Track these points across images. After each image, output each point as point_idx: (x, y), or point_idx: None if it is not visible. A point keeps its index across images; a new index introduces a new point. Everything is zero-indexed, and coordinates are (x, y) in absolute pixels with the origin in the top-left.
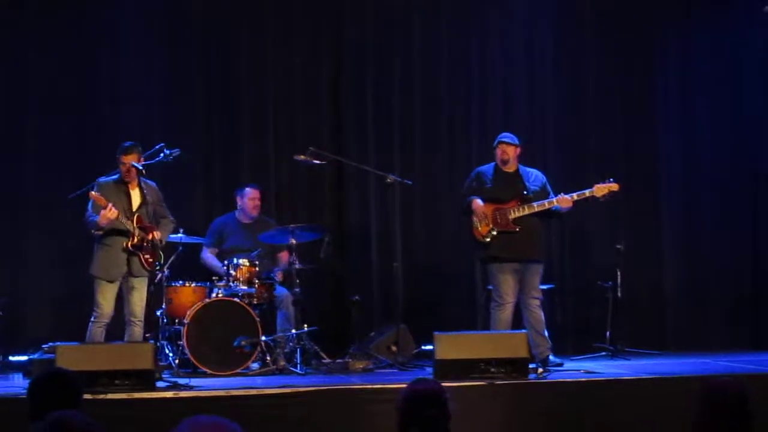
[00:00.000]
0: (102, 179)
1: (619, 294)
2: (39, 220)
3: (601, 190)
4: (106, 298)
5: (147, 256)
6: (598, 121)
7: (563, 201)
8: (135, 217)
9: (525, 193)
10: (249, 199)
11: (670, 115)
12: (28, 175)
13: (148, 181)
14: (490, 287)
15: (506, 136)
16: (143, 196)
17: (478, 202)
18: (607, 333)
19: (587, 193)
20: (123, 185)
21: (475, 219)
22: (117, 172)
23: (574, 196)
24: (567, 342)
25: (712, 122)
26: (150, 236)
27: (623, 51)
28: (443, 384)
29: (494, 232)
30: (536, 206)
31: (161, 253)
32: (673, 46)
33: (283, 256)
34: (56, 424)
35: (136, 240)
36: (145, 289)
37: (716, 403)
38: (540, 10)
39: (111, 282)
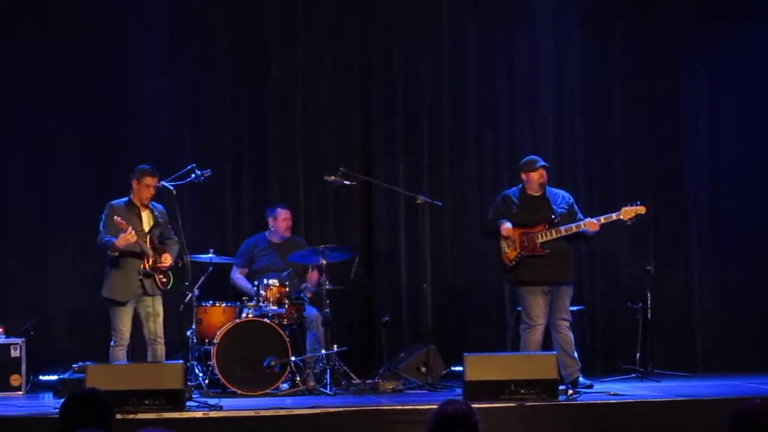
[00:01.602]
0: (114, 202)
1: (648, 315)
2: (68, 239)
3: (628, 213)
4: (122, 321)
5: (161, 277)
6: (625, 141)
7: (590, 225)
8: (148, 238)
9: (552, 217)
10: (282, 219)
11: (698, 135)
12: (56, 196)
13: (156, 204)
14: (519, 308)
15: (543, 161)
16: (155, 218)
17: (507, 227)
18: (637, 354)
19: (614, 216)
20: (134, 207)
21: (503, 243)
22: (127, 195)
23: (601, 219)
24: (596, 363)
25: (739, 143)
26: (162, 261)
27: (650, 68)
28: (473, 405)
29: (522, 256)
30: (563, 230)
31: (171, 274)
32: (699, 62)
33: (313, 275)
34: None
35: (151, 261)
36: (161, 307)
37: (747, 426)
38: (566, 26)
39: (123, 305)
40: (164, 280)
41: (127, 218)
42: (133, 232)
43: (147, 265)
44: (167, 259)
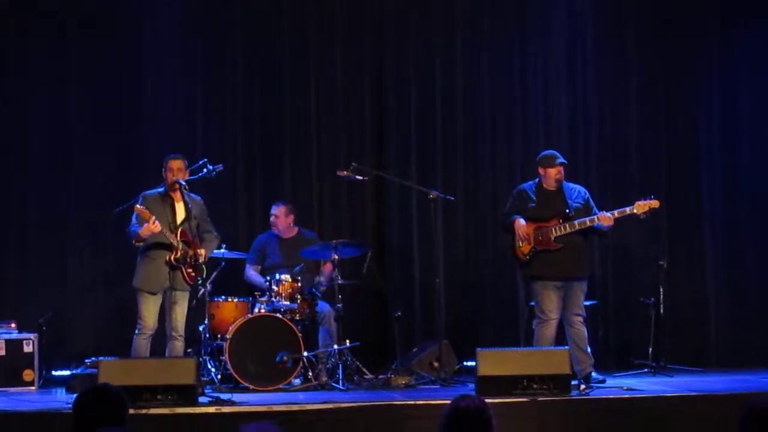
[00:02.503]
0: (147, 192)
1: (661, 310)
2: (81, 237)
3: (641, 207)
4: (149, 310)
5: (189, 270)
6: (639, 138)
7: (604, 219)
8: (179, 231)
9: (567, 211)
10: (274, 216)
11: (712, 130)
12: (70, 194)
13: (194, 196)
14: (532, 303)
15: (561, 157)
16: (188, 210)
17: (520, 222)
18: (650, 349)
19: (628, 210)
20: (168, 198)
21: (516, 238)
22: (162, 185)
23: (615, 213)
24: (609, 358)
25: (753, 137)
26: (193, 252)
27: (665, 67)
28: (486, 400)
29: (536, 251)
30: (578, 224)
31: (204, 268)
32: (715, 53)
33: (326, 270)
34: None
35: (178, 254)
36: (187, 303)
37: (758, 420)
38: (580, 26)
39: (153, 294)
40: (193, 274)
41: (160, 209)
42: (157, 222)
43: (173, 258)
44: (201, 253)
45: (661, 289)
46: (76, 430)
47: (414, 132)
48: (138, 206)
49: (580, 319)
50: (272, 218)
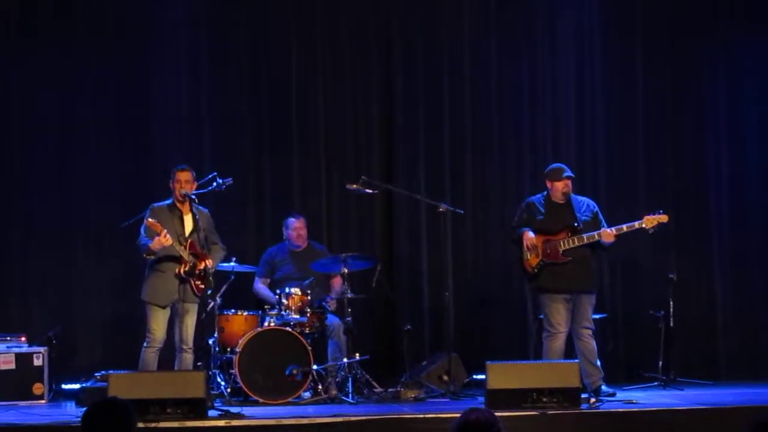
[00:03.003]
0: (156, 204)
1: (671, 323)
2: (89, 248)
3: (650, 221)
4: (158, 323)
5: (198, 283)
6: (647, 147)
7: (605, 235)
8: (188, 243)
9: (575, 224)
10: (293, 229)
11: (720, 142)
12: (77, 204)
13: (201, 208)
14: (541, 316)
15: (569, 171)
16: (196, 222)
17: (529, 234)
18: (660, 362)
19: (636, 224)
20: (177, 210)
21: (525, 250)
22: (170, 197)
23: (623, 227)
24: (619, 372)
25: (761, 150)
26: (202, 264)
27: (672, 75)
28: (495, 413)
29: (544, 264)
30: (586, 238)
31: (212, 280)
32: (722, 63)
33: (335, 283)
34: None
35: (187, 267)
36: (196, 315)
37: None
38: (588, 34)
39: (162, 308)
40: (201, 286)
41: (169, 221)
42: (168, 235)
43: (182, 270)
44: (209, 264)
45: (671, 302)
46: None
47: (422, 145)
48: (149, 219)
49: (589, 332)
50: (291, 231)
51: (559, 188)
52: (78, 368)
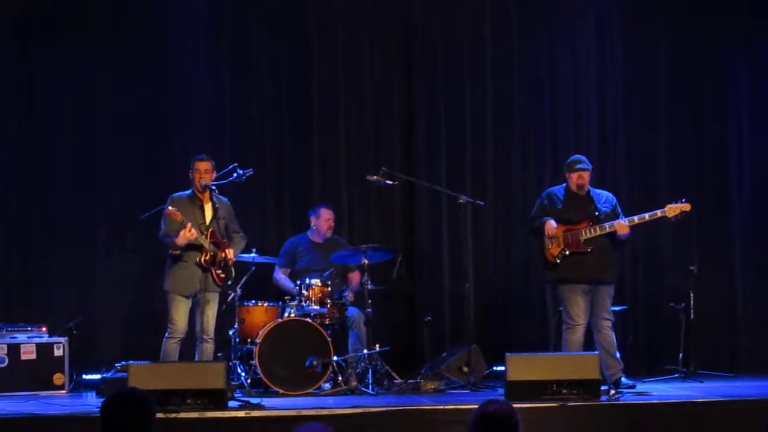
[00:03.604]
0: (175, 195)
1: (691, 315)
2: (109, 240)
3: (673, 210)
4: (179, 313)
5: (219, 272)
6: (669, 140)
7: (619, 227)
8: (209, 231)
9: (597, 214)
10: (324, 219)
11: (742, 134)
12: (98, 198)
13: (221, 197)
14: (560, 309)
15: (585, 163)
16: (215, 211)
17: (551, 224)
18: (680, 355)
19: (659, 213)
20: (197, 200)
21: (546, 240)
22: (190, 188)
23: (646, 216)
24: (639, 364)
25: None
26: (222, 254)
27: (693, 68)
28: (514, 405)
29: (565, 253)
30: (608, 227)
31: (233, 269)
32: (744, 58)
33: (354, 277)
34: None
35: (208, 256)
36: (216, 305)
37: None
38: (609, 28)
39: (185, 297)
40: (222, 275)
41: (189, 210)
42: (193, 229)
43: (203, 260)
44: (230, 254)
45: (692, 295)
46: None
47: (443, 136)
48: (170, 208)
49: (609, 323)
50: (322, 222)
51: (574, 180)
52: (99, 359)
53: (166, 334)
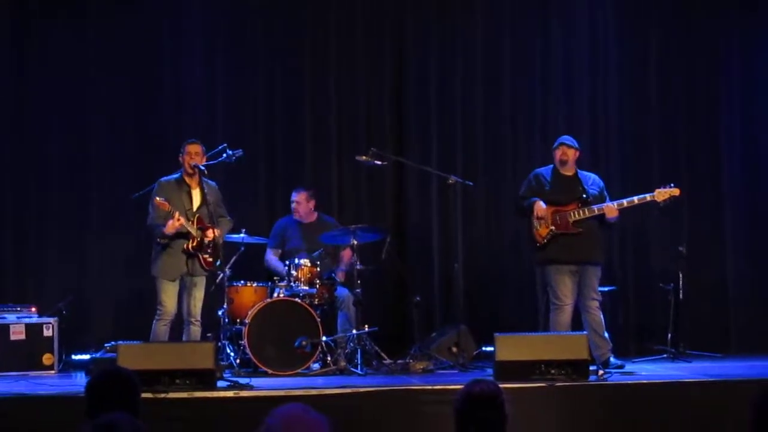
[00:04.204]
0: (164, 179)
1: (680, 296)
2: (103, 220)
3: (662, 194)
4: (168, 296)
5: (206, 256)
6: (660, 122)
7: (608, 210)
8: (195, 218)
9: (584, 196)
10: (296, 203)
11: (733, 115)
12: (90, 178)
13: (209, 181)
14: (548, 289)
15: (567, 138)
16: (204, 196)
17: (540, 204)
18: (669, 335)
19: (648, 197)
20: (185, 185)
21: (534, 221)
22: (179, 171)
23: (635, 200)
24: (629, 344)
25: None
26: (209, 236)
27: (686, 49)
28: (503, 385)
29: (554, 234)
30: (597, 210)
31: (220, 252)
32: (736, 43)
33: (345, 255)
34: (103, 429)
35: (195, 242)
36: (204, 288)
37: None
38: (602, 10)
39: (172, 281)
40: (209, 259)
41: (176, 196)
42: (181, 218)
43: (190, 246)
44: (216, 233)
45: (681, 275)
46: (88, 413)
47: (434, 117)
48: (158, 199)
49: (596, 303)
50: (293, 204)
51: (557, 156)
52: (89, 339)
53: (156, 317)
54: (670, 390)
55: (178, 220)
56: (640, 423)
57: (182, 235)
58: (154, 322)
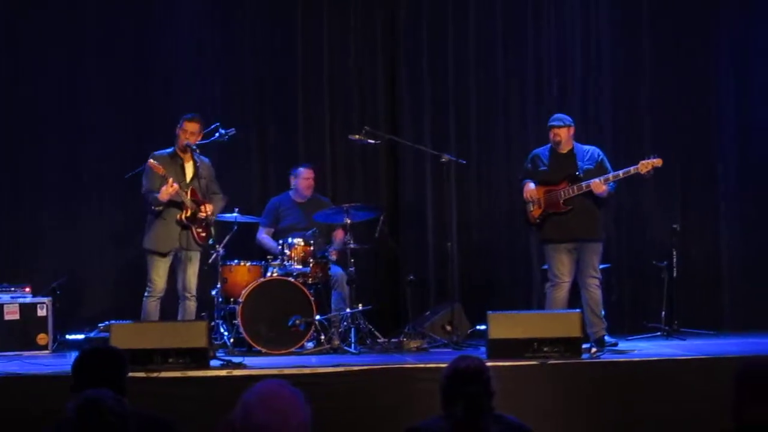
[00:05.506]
0: (156, 153)
1: (674, 274)
2: (97, 200)
3: (645, 166)
4: (158, 273)
5: (200, 230)
6: (652, 98)
7: (595, 186)
8: (189, 189)
9: (576, 173)
10: (303, 178)
11: (727, 90)
12: (84, 157)
13: (203, 158)
14: (545, 267)
15: (556, 119)
16: (196, 169)
17: (529, 186)
18: (663, 313)
19: (632, 170)
20: (178, 158)
21: (528, 202)
22: (172, 146)
23: (620, 173)
24: (623, 322)
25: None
26: (203, 212)
27: (679, 23)
28: (496, 363)
29: (547, 214)
30: (584, 186)
31: (213, 230)
32: (729, 15)
33: (338, 234)
34: (86, 404)
35: (189, 213)
36: (198, 263)
37: (756, 384)
38: None
39: (163, 256)
40: (203, 234)
41: (170, 168)
42: (175, 184)
43: (184, 216)
44: (209, 210)
45: (675, 252)
46: (74, 388)
47: (427, 95)
48: (151, 161)
49: (596, 281)
50: (301, 180)
51: (551, 138)
52: (82, 318)
53: (146, 294)
54: (664, 367)
55: (172, 185)
56: (633, 400)
57: (176, 205)
58: (144, 299)
